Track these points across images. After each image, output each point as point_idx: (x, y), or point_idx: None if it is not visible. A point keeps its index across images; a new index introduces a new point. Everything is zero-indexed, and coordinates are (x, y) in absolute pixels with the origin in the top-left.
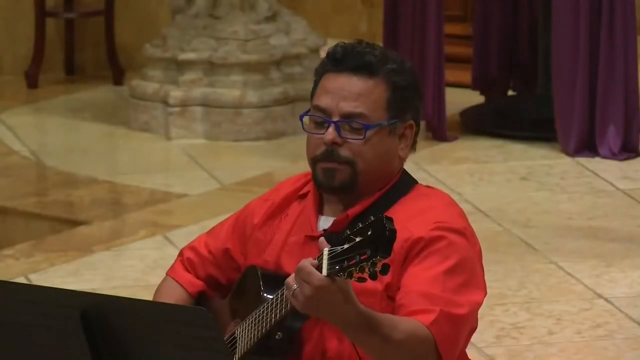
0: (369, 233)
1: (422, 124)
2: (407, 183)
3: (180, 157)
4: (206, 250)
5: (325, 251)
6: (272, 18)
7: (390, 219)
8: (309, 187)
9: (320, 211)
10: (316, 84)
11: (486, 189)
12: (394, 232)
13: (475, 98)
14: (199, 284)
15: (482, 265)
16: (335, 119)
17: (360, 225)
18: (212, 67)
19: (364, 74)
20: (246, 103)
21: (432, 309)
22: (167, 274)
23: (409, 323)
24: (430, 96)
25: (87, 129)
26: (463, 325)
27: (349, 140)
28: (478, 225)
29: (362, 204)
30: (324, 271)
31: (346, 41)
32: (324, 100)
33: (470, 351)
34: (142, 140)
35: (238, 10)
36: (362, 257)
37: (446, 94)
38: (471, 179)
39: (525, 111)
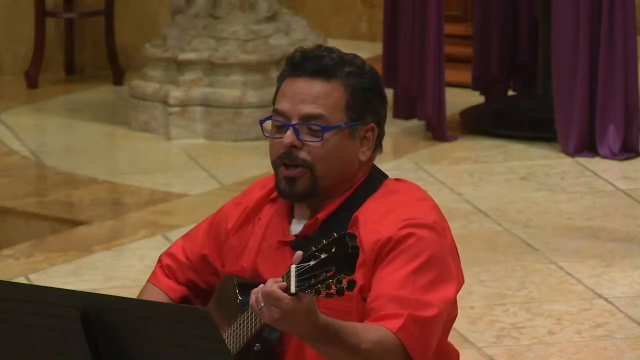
0: (333, 250)
1: (422, 123)
2: (375, 179)
3: (180, 157)
4: (184, 256)
5: (293, 268)
6: (272, 18)
7: (353, 236)
8: None
9: (291, 214)
10: (277, 89)
11: (486, 189)
12: (356, 249)
13: (475, 98)
14: (180, 290)
15: (456, 256)
16: (295, 122)
17: (324, 242)
18: (212, 67)
19: (321, 77)
20: (246, 103)
21: (401, 313)
22: (148, 280)
23: (376, 331)
24: (430, 96)
25: (87, 129)
26: (433, 327)
27: (308, 142)
28: (478, 225)
29: (330, 206)
30: (293, 288)
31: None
32: (283, 104)
33: (470, 351)
34: (142, 140)
35: (238, 10)
36: (328, 274)
37: (446, 94)
38: (471, 179)
39: (525, 111)
